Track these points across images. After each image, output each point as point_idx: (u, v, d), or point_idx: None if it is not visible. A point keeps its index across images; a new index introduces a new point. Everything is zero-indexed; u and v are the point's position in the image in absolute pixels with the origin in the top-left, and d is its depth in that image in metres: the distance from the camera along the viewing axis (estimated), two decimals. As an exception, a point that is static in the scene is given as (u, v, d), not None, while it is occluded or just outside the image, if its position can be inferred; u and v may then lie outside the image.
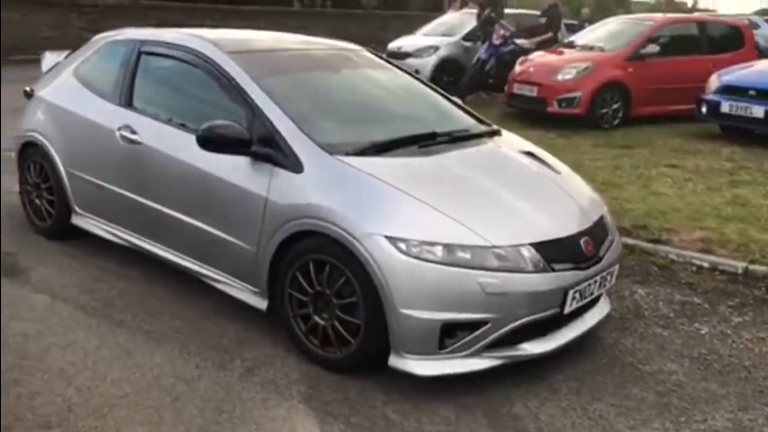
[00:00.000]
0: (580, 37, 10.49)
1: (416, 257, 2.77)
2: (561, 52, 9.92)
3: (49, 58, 4.87)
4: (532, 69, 9.44)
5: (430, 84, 4.33)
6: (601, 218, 3.38)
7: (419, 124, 3.68)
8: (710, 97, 8.12)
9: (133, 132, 3.80)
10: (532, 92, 9.20)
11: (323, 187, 3.03)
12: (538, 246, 2.91)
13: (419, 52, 12.08)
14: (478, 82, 10.96)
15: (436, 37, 12.51)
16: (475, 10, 12.74)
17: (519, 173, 3.46)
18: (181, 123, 3.62)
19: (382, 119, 3.70)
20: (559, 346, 3.04)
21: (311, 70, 3.85)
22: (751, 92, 7.62)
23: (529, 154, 3.71)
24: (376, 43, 24.10)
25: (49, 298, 3.73)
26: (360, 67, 4.08)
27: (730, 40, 9.96)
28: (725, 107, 7.86)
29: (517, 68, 9.82)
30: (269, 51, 3.87)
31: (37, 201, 4.63)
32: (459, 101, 4.29)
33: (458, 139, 3.59)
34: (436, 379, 2.88)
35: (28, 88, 4.80)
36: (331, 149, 3.14)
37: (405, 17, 25.94)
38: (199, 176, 3.43)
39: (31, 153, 4.60)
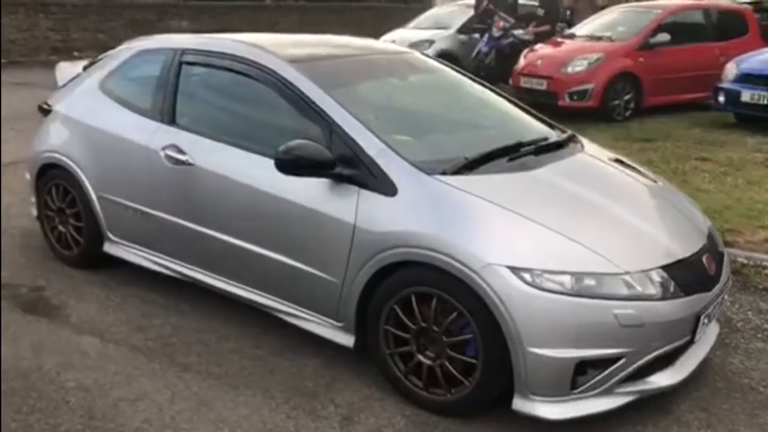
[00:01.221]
0: (581, 28, 10.29)
1: (543, 289, 2.48)
2: (563, 44, 9.69)
3: (65, 70, 4.45)
4: (539, 62, 9.20)
5: (488, 85, 4.03)
6: (710, 230, 3.13)
7: (500, 134, 3.39)
8: (728, 85, 7.97)
9: (182, 152, 3.43)
10: (542, 85, 8.96)
11: (424, 212, 2.72)
12: (668, 269, 2.65)
13: (414, 46, 11.73)
14: (479, 75, 10.68)
15: (431, 30, 12.21)
16: (467, 2, 12.49)
17: (623, 185, 3.19)
18: (240, 142, 3.26)
19: (463, 131, 3.40)
20: (688, 375, 2.78)
21: (379, 79, 3.52)
22: (773, 80, 7.49)
23: (619, 161, 3.45)
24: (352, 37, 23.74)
25: (98, 340, 3.36)
26: (422, 72, 3.76)
27: (734, 26, 9.83)
28: (746, 96, 7.72)
29: (522, 61, 9.57)
30: (331, 58, 3.52)
31: (61, 228, 4.22)
32: (521, 103, 4.00)
33: (543, 149, 3.30)
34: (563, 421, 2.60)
35: (44, 104, 4.38)
36: (426, 168, 2.83)
37: (377, 9, 25.67)
38: (268, 201, 3.09)
39: (52, 175, 4.19)
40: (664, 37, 8.90)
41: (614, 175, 3.26)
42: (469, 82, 3.93)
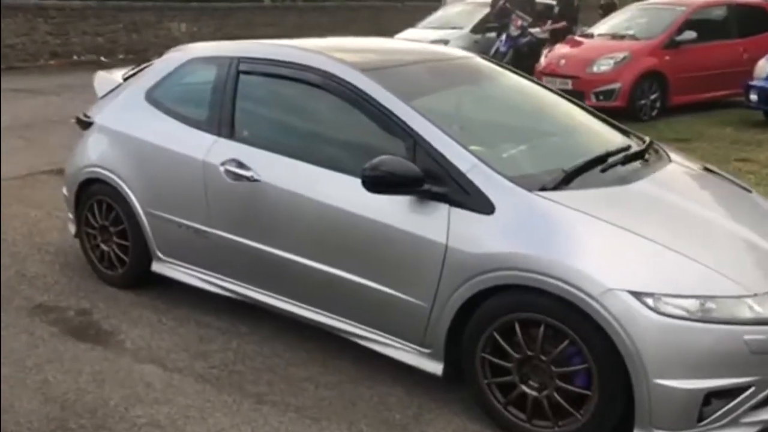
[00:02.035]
0: (599, 27, 10.12)
1: (667, 315, 2.30)
2: (584, 43, 9.52)
3: (104, 79, 4.22)
4: (563, 62, 9.02)
5: (553, 89, 3.84)
6: None
7: (583, 144, 3.20)
8: (762, 83, 7.82)
9: (245, 167, 3.22)
10: (567, 85, 8.78)
11: (529, 232, 2.52)
12: (792, 288, 2.46)
13: (429, 47, 11.55)
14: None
15: (443, 30, 12.02)
16: (477, 0, 12.32)
17: (725, 197, 3.01)
18: (312, 157, 3.05)
19: (546, 141, 3.21)
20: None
21: (453, 86, 3.32)
22: (810, 78, 7.34)
23: (708, 170, 3.27)
24: (346, 36, 23.56)
25: (161, 369, 3.15)
26: (491, 77, 3.56)
27: (757, 22, 9.69)
28: (782, 94, 7.57)
29: (543, 61, 9.40)
30: (400, 65, 3.31)
31: (103, 246, 4.01)
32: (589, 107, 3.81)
33: (631, 158, 3.11)
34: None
35: (83, 115, 4.16)
36: (524, 184, 2.63)
37: (373, 8, 25.56)
38: (346, 220, 2.89)
39: (94, 191, 3.97)
40: (691, 34, 8.76)
41: (713, 186, 3.09)
42: (536, 86, 3.74)
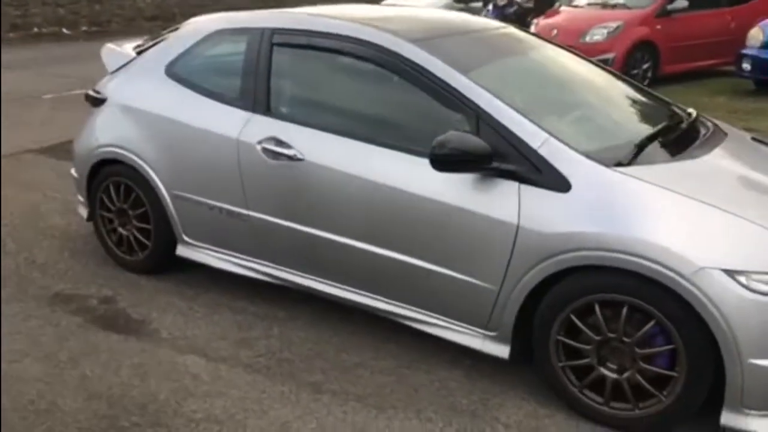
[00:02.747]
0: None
1: (760, 293, 2.23)
2: (574, 13, 9.42)
3: (114, 53, 3.96)
4: (555, 32, 8.91)
5: (592, 60, 3.72)
6: None
7: (641, 117, 3.12)
8: (756, 52, 7.84)
9: (286, 146, 3.05)
10: (560, 56, 8.67)
11: (610, 210, 2.42)
12: None
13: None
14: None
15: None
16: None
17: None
18: (364, 135, 2.89)
19: (604, 114, 3.09)
20: None
21: (502, 58, 3.17)
22: (805, 45, 7.37)
23: (757, 140, 3.22)
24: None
25: (204, 360, 2.99)
26: (535, 48, 3.43)
27: (744, -10, 9.71)
28: (777, 63, 7.60)
29: (534, 30, 9.27)
30: (447, 36, 3.15)
31: (122, 230, 3.80)
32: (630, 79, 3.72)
33: (691, 132, 3.03)
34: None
35: (93, 91, 3.91)
36: (599, 159, 2.53)
37: None
38: (403, 201, 2.75)
39: (109, 173, 3.75)
40: (682, 3, 8.73)
41: (771, 156, 3.02)
42: (576, 56, 3.62)
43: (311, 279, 3.18)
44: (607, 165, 2.50)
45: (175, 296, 3.58)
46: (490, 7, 10.34)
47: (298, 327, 3.27)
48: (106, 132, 3.73)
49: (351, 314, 3.22)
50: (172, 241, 3.65)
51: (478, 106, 2.66)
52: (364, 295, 3.03)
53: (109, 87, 3.82)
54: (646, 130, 2.88)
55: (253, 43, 3.27)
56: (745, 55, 7.97)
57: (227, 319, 3.35)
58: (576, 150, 2.54)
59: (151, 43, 3.84)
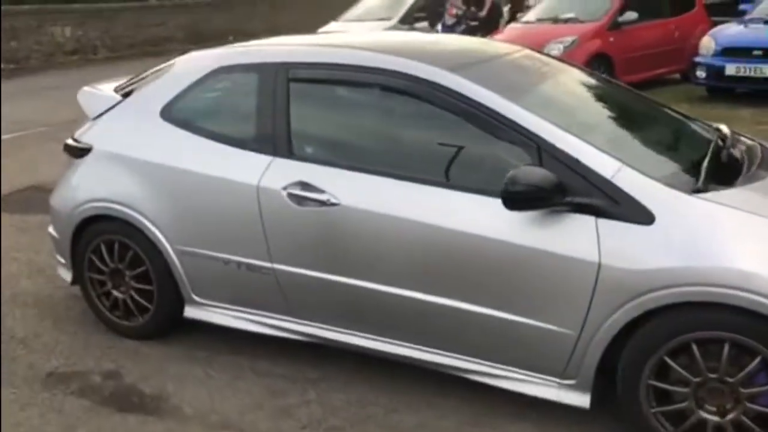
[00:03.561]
0: (533, 12, 10.11)
1: None
2: (527, 29, 9.45)
3: (93, 97, 3.56)
4: (511, 48, 8.89)
5: (613, 80, 3.59)
6: None
7: (688, 139, 2.99)
8: (710, 60, 8.01)
9: (317, 190, 2.76)
10: (517, 72, 8.66)
11: (699, 241, 2.24)
12: None
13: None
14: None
15: (371, 22, 11.63)
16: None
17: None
18: (410, 174, 2.63)
19: (656, 138, 2.94)
20: None
21: (540, 83, 2.98)
22: (756, 52, 7.57)
23: None
24: (244, 35, 22.89)
25: (246, 438, 2.66)
26: (562, 71, 3.26)
27: (684, 1, 9.99)
28: (731, 70, 7.76)
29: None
30: (479, 63, 2.94)
31: (116, 293, 3.41)
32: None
33: (745, 152, 2.92)
34: None
35: (72, 140, 3.51)
36: (677, 186, 2.36)
37: (268, 2, 24.98)
38: (462, 243, 2.51)
39: (100, 230, 3.36)
40: (632, 15, 8.88)
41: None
42: (597, 78, 3.48)
43: (350, 334, 2.89)
44: (687, 192, 2.34)
45: (187, 362, 3.21)
46: (440, 27, 10.29)
47: (335, 388, 2.96)
48: (94, 185, 3.34)
49: (389, 369, 2.95)
50: (178, 302, 3.29)
51: (538, 137, 2.46)
52: (415, 349, 2.77)
53: (93, 134, 3.42)
54: (701, 151, 2.74)
55: (265, 80, 2.98)
56: (699, 64, 8.15)
57: (255, 385, 3.01)
58: (652, 178, 2.36)
59: (135, 83, 3.48)
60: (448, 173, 2.61)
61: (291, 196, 2.82)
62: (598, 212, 2.35)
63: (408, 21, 11.47)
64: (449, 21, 10.28)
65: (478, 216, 2.49)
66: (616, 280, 2.31)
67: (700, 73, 8.12)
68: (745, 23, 8.21)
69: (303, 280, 2.89)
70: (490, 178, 2.51)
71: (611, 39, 8.82)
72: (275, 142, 2.91)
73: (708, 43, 8.11)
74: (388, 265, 2.69)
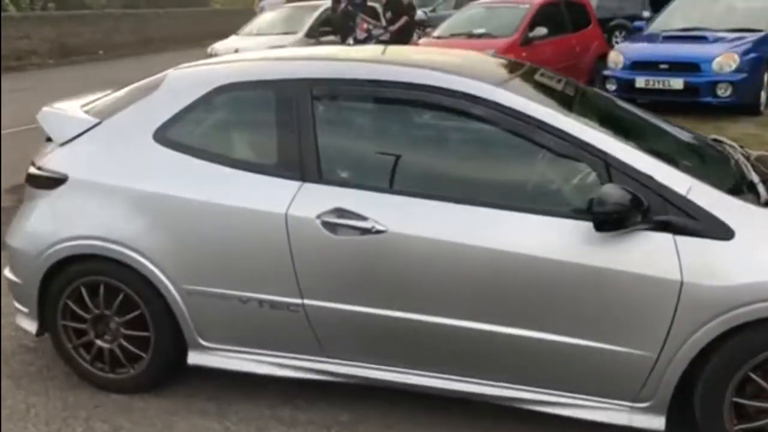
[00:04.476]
0: (443, 27, 10.21)
1: None
2: (441, 45, 9.51)
3: (58, 117, 3.08)
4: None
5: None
6: None
7: (715, 153, 3.01)
8: (620, 74, 8.40)
9: (356, 216, 2.53)
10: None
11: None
12: None
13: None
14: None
15: (275, 35, 11.28)
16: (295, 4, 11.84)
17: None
18: (463, 196, 2.46)
19: (701, 153, 2.95)
20: None
21: (570, 99, 2.91)
22: (663, 66, 8.02)
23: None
24: (114, 48, 21.72)
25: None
26: (571, 85, 3.22)
27: (581, 17, 10.46)
28: (641, 83, 8.18)
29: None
30: (511, 78, 2.82)
31: (101, 343, 2.97)
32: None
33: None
34: None
35: (33, 169, 3.03)
36: (750, 200, 2.36)
37: (136, 16, 24.12)
38: (529, 268, 2.37)
39: (79, 272, 2.91)
40: (542, 31, 9.15)
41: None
42: (604, 93, 3.49)
43: (397, 372, 2.66)
44: (759, 206, 2.34)
45: (197, 416, 2.85)
46: (351, 41, 10.15)
47: (373, 431, 2.72)
48: (72, 221, 2.89)
49: (422, 404, 2.76)
50: (179, 348, 2.91)
51: (605, 153, 2.38)
52: (473, 383, 2.59)
53: (65, 162, 2.96)
54: (728, 165, 2.78)
55: (284, 99, 2.69)
56: (609, 77, 8.54)
57: (284, 436, 2.71)
58: (726, 192, 2.35)
59: (110, 102, 3.06)
60: (508, 194, 2.47)
61: (327, 224, 2.56)
62: (676, 229, 2.29)
63: (314, 35, 11.26)
64: (361, 36, 10.19)
65: (547, 238, 2.37)
66: (699, 298, 2.26)
67: (610, 86, 8.51)
68: (646, 39, 8.71)
69: (339, 315, 2.63)
70: (557, 198, 2.40)
71: (524, 54, 9.02)
72: (302, 166, 2.64)
73: (616, 58, 8.52)
74: (445, 296, 2.50)
